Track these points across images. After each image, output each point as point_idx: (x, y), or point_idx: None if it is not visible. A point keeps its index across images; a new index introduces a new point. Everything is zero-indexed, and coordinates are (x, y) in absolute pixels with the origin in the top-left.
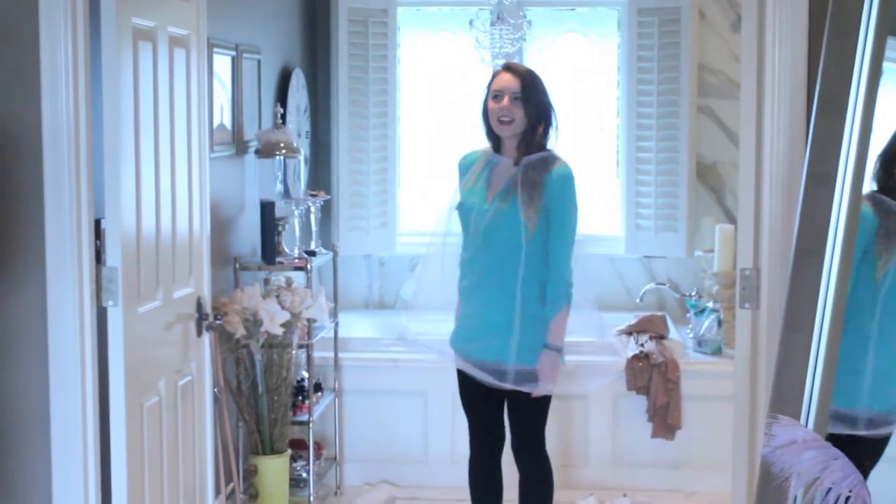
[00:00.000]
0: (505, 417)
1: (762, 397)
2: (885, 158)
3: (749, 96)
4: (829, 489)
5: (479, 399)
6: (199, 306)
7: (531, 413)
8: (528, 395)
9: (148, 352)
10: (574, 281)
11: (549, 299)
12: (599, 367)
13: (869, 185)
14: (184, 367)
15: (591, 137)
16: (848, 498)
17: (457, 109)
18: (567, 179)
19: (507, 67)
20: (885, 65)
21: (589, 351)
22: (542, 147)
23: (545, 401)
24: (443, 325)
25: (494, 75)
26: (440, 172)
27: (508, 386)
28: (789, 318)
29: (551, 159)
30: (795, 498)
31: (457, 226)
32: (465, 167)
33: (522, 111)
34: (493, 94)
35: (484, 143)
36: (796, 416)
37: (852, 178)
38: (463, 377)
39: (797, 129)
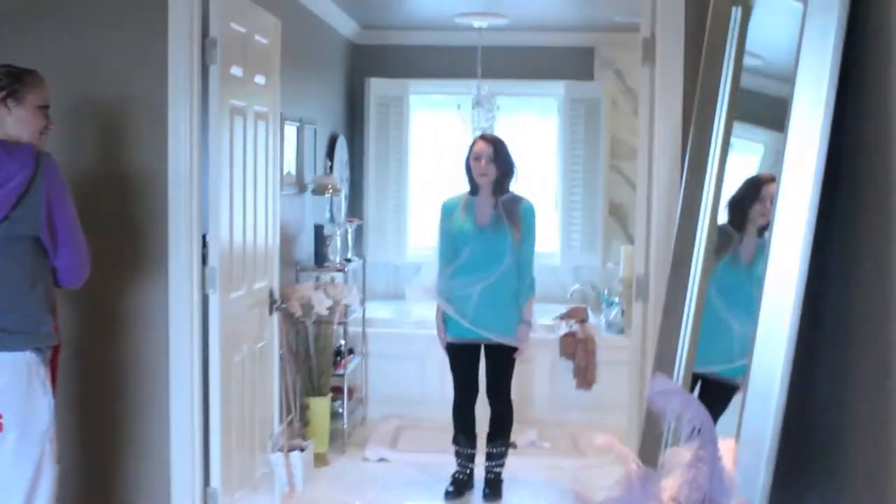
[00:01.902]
0: (480, 376)
1: (649, 362)
2: (731, 202)
3: (643, 159)
4: (689, 422)
5: (466, 363)
6: (271, 294)
7: (506, 369)
8: (504, 356)
9: (236, 325)
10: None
11: (523, 291)
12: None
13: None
14: (260, 335)
15: (539, 184)
16: (699, 428)
17: (449, 163)
18: (532, 211)
19: (483, 137)
20: (733, 140)
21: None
22: (507, 190)
23: (513, 360)
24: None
25: (474, 142)
26: (438, 205)
27: (505, 340)
28: (667, 308)
29: (518, 198)
30: (669, 427)
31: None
32: (449, 208)
33: (494, 167)
34: (475, 157)
35: (459, 189)
36: (670, 374)
37: (709, 214)
38: (455, 348)
39: (674, 180)
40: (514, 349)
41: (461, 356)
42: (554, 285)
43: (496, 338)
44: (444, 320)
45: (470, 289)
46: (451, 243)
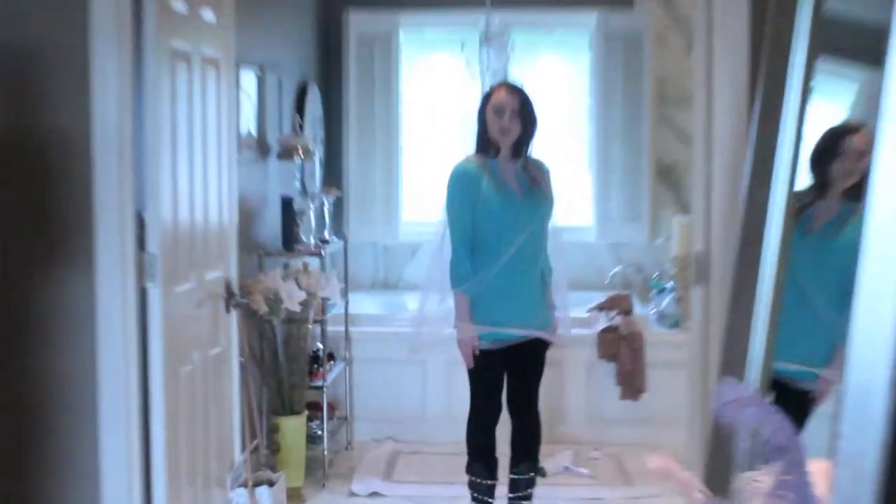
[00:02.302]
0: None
1: (713, 363)
2: (814, 157)
3: (700, 105)
4: (769, 439)
5: (495, 374)
6: (228, 287)
7: (537, 373)
8: (537, 355)
9: (183, 326)
10: (554, 265)
11: (546, 271)
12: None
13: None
14: (215, 339)
15: (566, 141)
16: (782, 447)
17: (450, 117)
18: (550, 176)
19: (506, 85)
20: (815, 80)
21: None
22: (527, 153)
23: (544, 360)
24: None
25: (493, 91)
26: (437, 171)
27: (545, 335)
28: (735, 295)
29: (537, 161)
30: (743, 445)
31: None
32: (469, 174)
33: (519, 124)
34: (495, 109)
35: (462, 151)
36: (741, 378)
37: (787, 176)
38: (487, 357)
39: (740, 133)
40: (546, 345)
41: (493, 366)
42: (588, 268)
43: (537, 333)
44: (473, 319)
45: (515, 277)
46: (472, 220)
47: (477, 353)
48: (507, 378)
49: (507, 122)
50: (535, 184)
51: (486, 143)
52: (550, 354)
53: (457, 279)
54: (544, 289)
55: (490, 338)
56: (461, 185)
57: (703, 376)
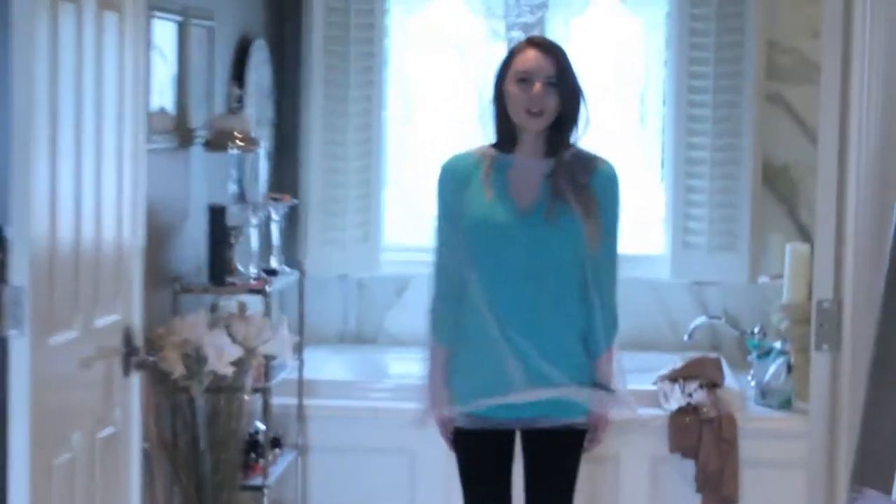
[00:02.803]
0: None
1: (843, 464)
2: None
3: (832, 81)
4: None
5: (491, 465)
6: (128, 338)
7: (568, 471)
8: (566, 446)
9: (61, 395)
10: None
11: (599, 330)
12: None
13: None
14: (106, 415)
15: (629, 131)
16: None
17: (461, 92)
18: (617, 182)
19: (533, 43)
20: None
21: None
22: (569, 143)
23: (580, 452)
24: None
25: (514, 53)
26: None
27: (572, 420)
28: (879, 363)
29: (593, 157)
30: None
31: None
32: (459, 173)
33: (557, 99)
34: (519, 76)
35: (472, 141)
36: (887, 489)
37: None
38: (472, 438)
39: (894, 122)
40: (582, 433)
41: (483, 452)
42: (658, 317)
43: (555, 417)
44: (449, 384)
45: (504, 329)
46: (457, 241)
47: (447, 432)
48: (524, 476)
49: (536, 95)
50: (571, 195)
51: (505, 132)
52: (599, 448)
53: (430, 322)
54: (582, 349)
55: (475, 411)
56: (443, 190)
57: (829, 483)
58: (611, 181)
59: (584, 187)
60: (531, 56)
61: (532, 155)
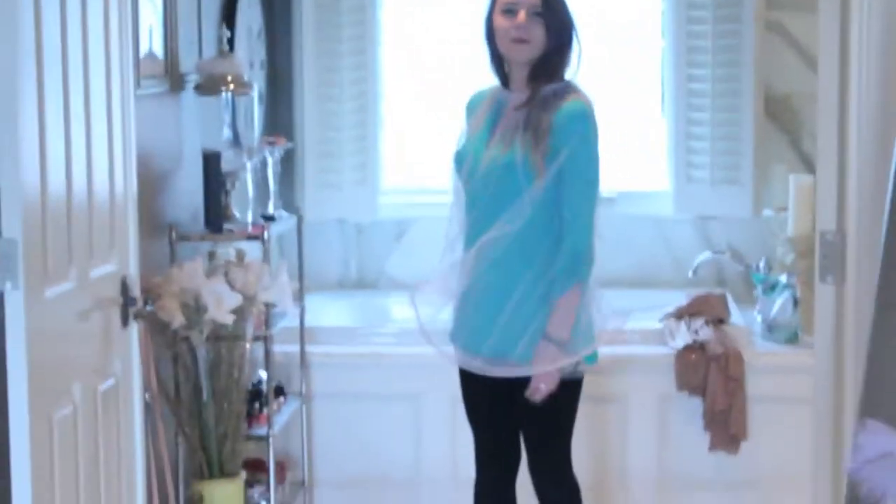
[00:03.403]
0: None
1: (849, 397)
2: None
3: (830, 7)
4: None
5: (484, 405)
6: (125, 289)
7: (549, 421)
8: (513, 402)
9: (59, 348)
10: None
11: (556, 275)
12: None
13: None
14: (106, 366)
15: (627, 64)
16: None
17: (460, 26)
18: (578, 118)
19: None
20: None
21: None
22: (561, 77)
23: (561, 407)
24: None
25: None
26: (438, 110)
27: (504, 370)
28: (884, 294)
29: (564, 91)
30: None
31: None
32: (469, 109)
33: (543, 29)
34: (505, 8)
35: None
36: (893, 420)
37: None
38: (464, 377)
39: (894, 47)
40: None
41: (472, 395)
42: (662, 253)
43: (485, 366)
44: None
45: (470, 272)
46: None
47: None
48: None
49: (520, 25)
50: (523, 129)
51: (498, 67)
52: (605, 388)
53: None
54: (530, 297)
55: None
56: (464, 121)
57: (835, 417)
58: (571, 119)
59: (541, 121)
60: None
61: (520, 89)
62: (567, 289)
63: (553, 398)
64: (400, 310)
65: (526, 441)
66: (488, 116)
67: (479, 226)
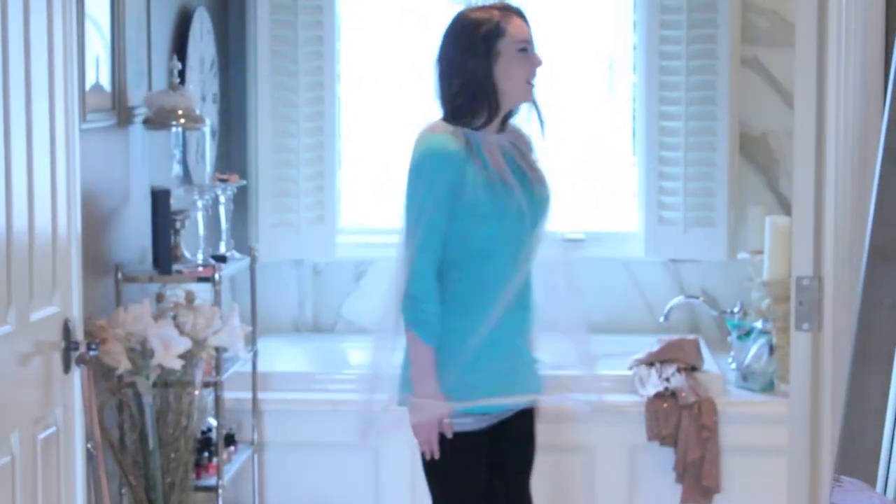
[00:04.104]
0: None
1: (826, 449)
2: None
3: (807, 42)
4: None
5: (483, 460)
6: (67, 332)
7: (530, 462)
8: (528, 438)
9: None
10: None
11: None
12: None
13: None
14: (46, 414)
15: (597, 100)
16: None
17: (419, 63)
18: None
19: (517, 11)
20: None
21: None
22: None
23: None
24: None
25: (501, 21)
26: (399, 146)
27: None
28: (861, 343)
29: (517, 128)
30: None
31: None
32: (451, 160)
33: None
34: (521, 48)
35: (424, 117)
36: (870, 478)
37: None
38: (476, 438)
39: (872, 85)
40: (532, 416)
41: (477, 456)
42: (633, 297)
43: (535, 398)
44: (450, 382)
45: (511, 315)
46: (445, 227)
47: (449, 435)
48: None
49: (537, 66)
50: (528, 168)
51: (483, 107)
52: (572, 438)
53: (415, 315)
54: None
55: (476, 411)
56: (439, 173)
57: (811, 470)
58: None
59: (529, 157)
60: (523, 25)
61: (495, 131)
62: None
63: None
64: (357, 355)
65: (517, 477)
66: (481, 165)
67: (508, 272)
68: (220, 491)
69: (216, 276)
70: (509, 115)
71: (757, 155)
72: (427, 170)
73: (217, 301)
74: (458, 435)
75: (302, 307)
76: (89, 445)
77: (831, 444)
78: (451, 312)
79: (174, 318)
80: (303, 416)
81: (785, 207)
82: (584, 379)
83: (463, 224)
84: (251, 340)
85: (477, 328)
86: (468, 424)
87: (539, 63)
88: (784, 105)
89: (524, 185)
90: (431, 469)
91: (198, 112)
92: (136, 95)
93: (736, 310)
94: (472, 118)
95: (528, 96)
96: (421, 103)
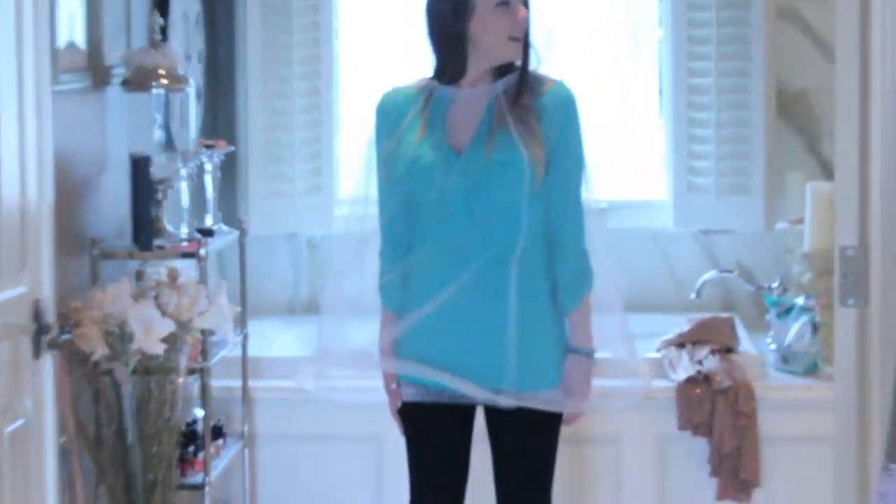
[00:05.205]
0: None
1: (876, 436)
2: None
3: None
4: None
5: (441, 443)
6: (38, 314)
7: (542, 456)
8: (537, 425)
9: None
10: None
11: (566, 283)
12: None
13: None
14: (14, 404)
15: (622, 57)
16: None
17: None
18: (569, 100)
19: None
20: None
21: (613, 373)
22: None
23: (556, 433)
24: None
25: None
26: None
27: (536, 402)
28: None
29: (538, 76)
30: None
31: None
32: (391, 111)
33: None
34: (500, 1)
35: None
36: None
37: None
38: (418, 413)
39: None
40: (556, 414)
41: (430, 428)
42: (661, 272)
43: (512, 398)
44: (396, 350)
45: (454, 293)
46: (396, 191)
47: (398, 404)
48: (493, 460)
49: (522, 21)
50: (501, 123)
51: (455, 62)
52: (596, 427)
53: (380, 285)
54: (548, 309)
55: (415, 382)
56: (379, 132)
57: (859, 459)
58: (563, 103)
59: (527, 110)
60: None
61: (476, 84)
62: (582, 296)
63: (550, 430)
64: (357, 337)
65: (507, 483)
66: (430, 117)
67: (464, 242)
68: (207, 489)
69: (202, 251)
70: (508, 68)
71: (795, 115)
72: (374, 126)
73: (203, 279)
74: (403, 405)
75: (296, 285)
76: (63, 440)
77: (880, 430)
78: (411, 272)
79: (156, 297)
80: (297, 407)
81: (827, 171)
82: (627, 363)
83: (401, 178)
84: (241, 322)
85: (419, 299)
86: (409, 395)
87: (523, 17)
88: (824, 60)
89: (498, 144)
90: None
91: (181, 72)
92: (113, 54)
93: (774, 285)
94: (443, 72)
95: (513, 53)
96: (423, 59)
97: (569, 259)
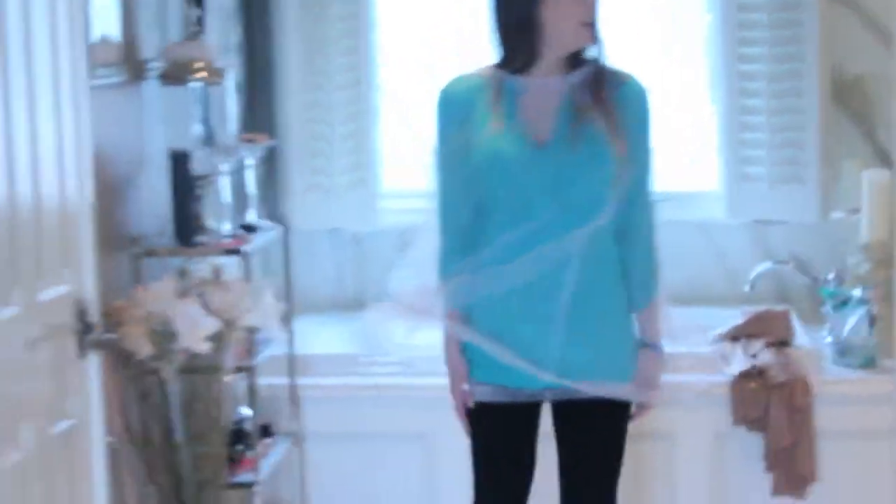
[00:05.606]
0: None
1: None
2: None
3: None
4: None
5: (512, 441)
6: (81, 313)
7: (612, 451)
8: (607, 420)
9: (2, 384)
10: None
11: (640, 280)
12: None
13: None
14: (60, 405)
15: (667, 41)
16: None
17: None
18: (647, 99)
19: None
20: None
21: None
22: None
23: (624, 428)
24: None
25: None
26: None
27: (615, 391)
28: None
29: (613, 70)
30: None
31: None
32: (460, 100)
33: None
34: None
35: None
36: None
37: None
38: (491, 412)
39: None
40: (625, 406)
41: (503, 427)
42: (713, 264)
43: (592, 388)
44: (464, 354)
45: (522, 283)
46: (467, 182)
47: (470, 405)
48: (558, 457)
49: (592, 7)
50: (584, 116)
51: (525, 50)
52: (649, 423)
53: (443, 279)
54: (620, 303)
55: (495, 380)
56: (443, 122)
57: None
58: (640, 97)
59: (606, 103)
60: None
61: (548, 74)
62: (657, 292)
63: (619, 425)
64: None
65: (586, 475)
66: (506, 109)
67: (545, 237)
68: (256, 488)
69: (245, 248)
70: (580, 54)
71: (851, 101)
72: (437, 116)
73: (247, 276)
74: (475, 404)
75: (341, 281)
76: (111, 440)
77: None
78: (483, 266)
79: (200, 296)
80: (346, 404)
81: (884, 160)
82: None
83: (474, 171)
84: (287, 320)
85: (482, 293)
86: (483, 395)
87: (590, 8)
88: (881, 45)
89: (580, 136)
90: None
91: (218, 64)
92: (149, 47)
93: (831, 277)
94: (512, 60)
95: (586, 39)
96: (471, 48)
97: (644, 255)
